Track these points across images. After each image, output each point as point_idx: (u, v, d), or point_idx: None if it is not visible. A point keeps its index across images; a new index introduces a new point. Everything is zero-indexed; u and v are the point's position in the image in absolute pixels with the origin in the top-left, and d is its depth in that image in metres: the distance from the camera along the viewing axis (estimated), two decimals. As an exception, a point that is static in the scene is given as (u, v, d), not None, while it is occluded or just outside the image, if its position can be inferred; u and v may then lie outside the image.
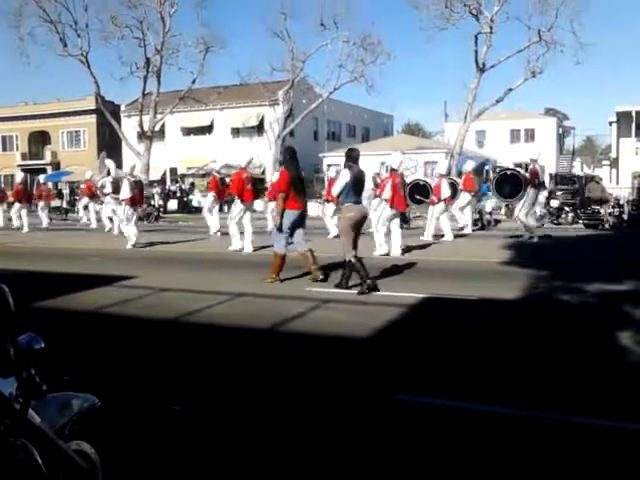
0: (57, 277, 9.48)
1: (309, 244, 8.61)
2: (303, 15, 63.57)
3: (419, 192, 15.32)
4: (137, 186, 13.64)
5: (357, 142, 42.66)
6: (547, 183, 19.03)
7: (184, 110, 40.35)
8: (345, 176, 7.94)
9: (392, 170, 11.95)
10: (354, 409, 3.86)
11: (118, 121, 38.75)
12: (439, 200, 14.90)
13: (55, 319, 6.29)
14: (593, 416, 3.66)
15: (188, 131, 43.27)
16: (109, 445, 2.36)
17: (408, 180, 15.46)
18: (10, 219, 20.73)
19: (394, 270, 9.57)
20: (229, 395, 4.16)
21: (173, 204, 32.69)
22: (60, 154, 50.06)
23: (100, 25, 34.03)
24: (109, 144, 43.53)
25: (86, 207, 22.68)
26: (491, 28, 30.18)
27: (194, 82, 36.16)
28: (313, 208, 22.56)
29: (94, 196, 21.04)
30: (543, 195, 17.14)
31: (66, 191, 40.07)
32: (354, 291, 7.68)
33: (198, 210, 22.15)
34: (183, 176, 41.09)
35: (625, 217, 20.28)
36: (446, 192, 14.97)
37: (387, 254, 11.55)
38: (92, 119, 47.45)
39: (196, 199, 24.01)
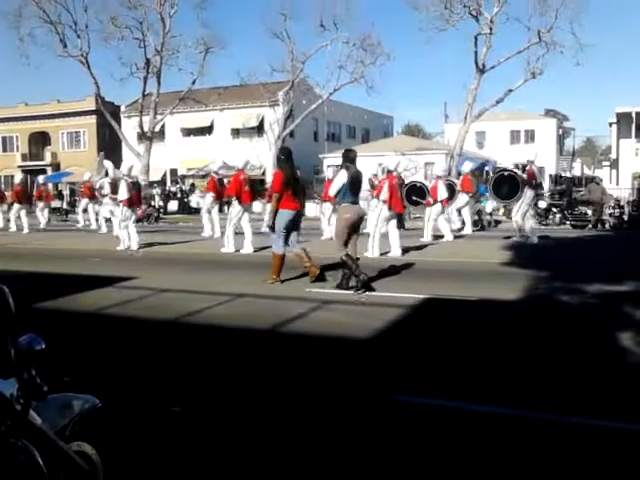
0: (57, 278, 9.48)
1: (302, 246, 8.63)
2: (303, 16, 63.83)
3: (416, 194, 15.32)
4: (135, 187, 13.57)
5: (357, 143, 42.68)
6: (548, 184, 19.04)
7: (184, 111, 40.34)
8: (342, 176, 7.96)
9: (389, 171, 11.99)
10: (354, 410, 3.86)
11: (118, 122, 38.72)
12: (435, 202, 14.86)
13: (56, 320, 6.29)
14: (593, 417, 3.66)
15: (188, 132, 43.27)
16: (110, 446, 2.36)
17: (407, 181, 15.48)
18: (9, 220, 20.65)
19: (394, 271, 9.58)
20: (230, 396, 4.16)
21: (173, 205, 32.67)
22: (60, 155, 50.02)
23: (100, 26, 34.10)
24: (109, 145, 43.55)
25: (85, 210, 22.64)
26: (491, 29, 30.17)
27: (194, 83, 36.20)
28: (311, 209, 22.68)
29: (93, 197, 21.03)
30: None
31: (66, 192, 40.14)
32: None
33: (198, 211, 22.07)
34: (183, 177, 41.12)
35: (625, 218, 20.33)
36: (443, 194, 14.91)
37: (383, 254, 11.56)
38: (92, 120, 47.43)
39: (194, 200, 23.78)
